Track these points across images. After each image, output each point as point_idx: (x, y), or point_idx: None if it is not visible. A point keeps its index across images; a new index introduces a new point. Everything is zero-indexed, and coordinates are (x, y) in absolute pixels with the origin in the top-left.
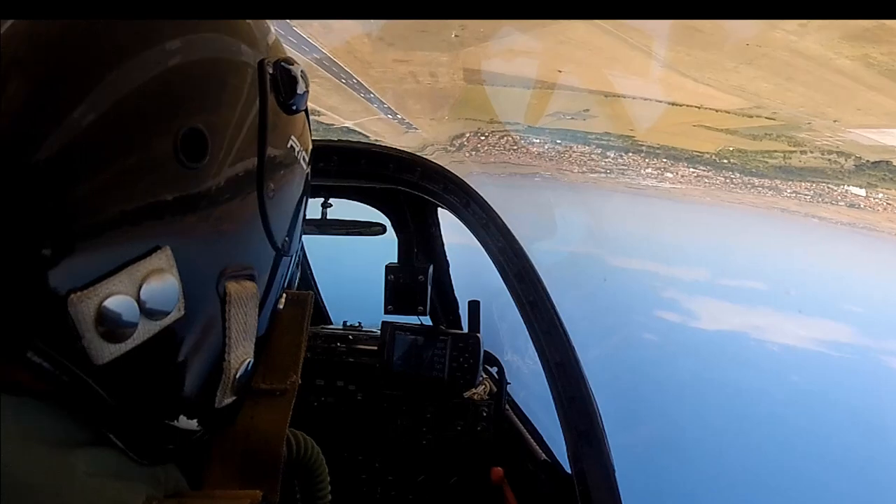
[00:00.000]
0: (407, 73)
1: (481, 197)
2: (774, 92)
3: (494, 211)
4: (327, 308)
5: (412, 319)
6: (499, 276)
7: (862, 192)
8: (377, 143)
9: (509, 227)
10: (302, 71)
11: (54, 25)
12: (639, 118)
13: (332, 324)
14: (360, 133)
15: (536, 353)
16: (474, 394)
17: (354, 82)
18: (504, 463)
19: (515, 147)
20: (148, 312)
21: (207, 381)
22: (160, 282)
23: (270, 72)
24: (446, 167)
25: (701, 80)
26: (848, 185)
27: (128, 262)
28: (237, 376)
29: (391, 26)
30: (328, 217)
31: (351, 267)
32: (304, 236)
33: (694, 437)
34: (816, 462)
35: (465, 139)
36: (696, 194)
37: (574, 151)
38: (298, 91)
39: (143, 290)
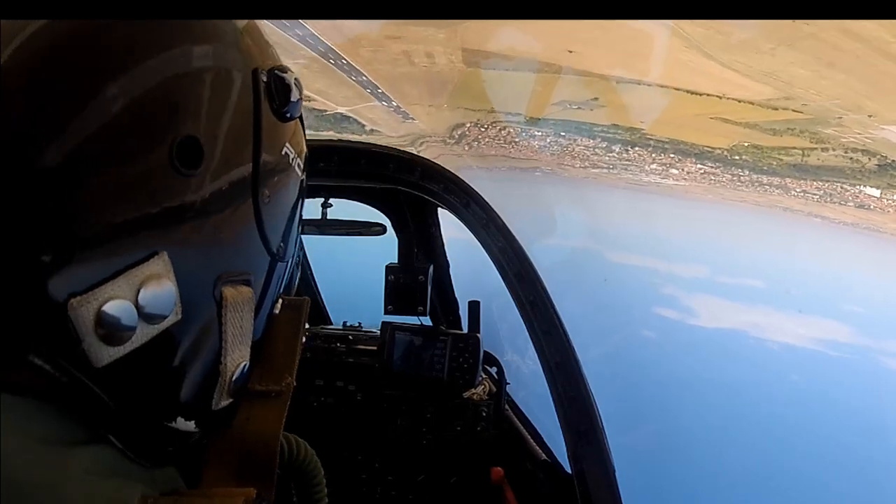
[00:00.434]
0: (400, 52)
1: (481, 197)
2: (810, 80)
3: (494, 211)
4: (327, 308)
5: (412, 319)
6: (498, 275)
7: (877, 192)
8: (377, 143)
9: (508, 225)
10: (296, 79)
11: (57, 35)
12: (651, 109)
13: (332, 324)
14: (355, 121)
15: (536, 354)
16: (474, 394)
17: (344, 63)
18: (504, 463)
19: (517, 140)
20: (146, 316)
21: (204, 384)
22: (157, 286)
23: (264, 80)
24: (446, 162)
25: (728, 63)
26: (864, 186)
27: (126, 268)
28: (233, 379)
29: None
30: (328, 217)
31: (351, 267)
32: (304, 236)
33: (693, 435)
34: (815, 461)
35: (465, 129)
36: (698, 191)
37: (578, 145)
38: (292, 98)
39: (140, 294)
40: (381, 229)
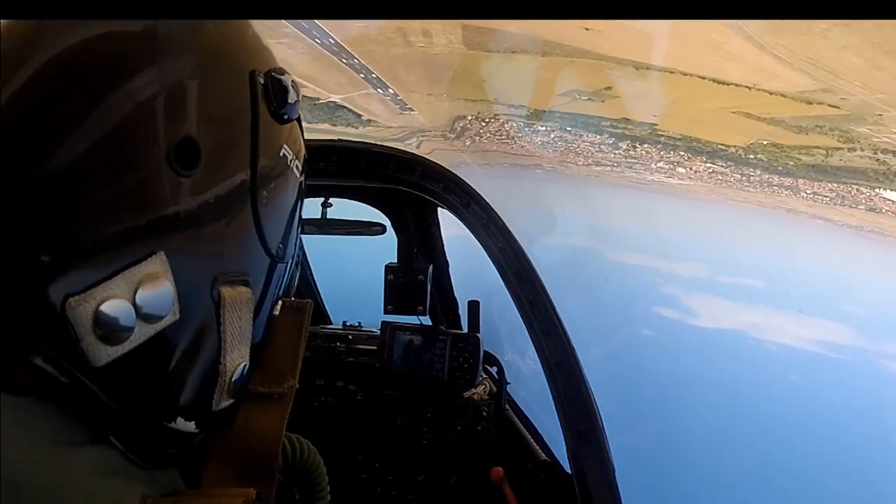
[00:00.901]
0: (395, 30)
1: (481, 197)
2: (860, 70)
3: (494, 211)
4: (327, 308)
5: (412, 319)
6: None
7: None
8: (377, 143)
9: (507, 224)
10: (293, 80)
11: (60, 41)
12: (669, 101)
13: (332, 324)
14: (350, 110)
15: (536, 353)
16: (474, 394)
17: (332, 43)
18: (504, 463)
19: (518, 135)
20: (144, 316)
21: (204, 384)
22: (155, 286)
23: (261, 82)
24: (446, 158)
25: (770, 47)
26: (884, 189)
27: (123, 267)
28: (233, 379)
29: None
30: (328, 217)
31: (351, 267)
32: (304, 236)
33: (692, 435)
34: (814, 461)
35: (467, 122)
36: (702, 191)
37: (583, 141)
38: (289, 100)
39: (138, 294)
40: (380, 229)
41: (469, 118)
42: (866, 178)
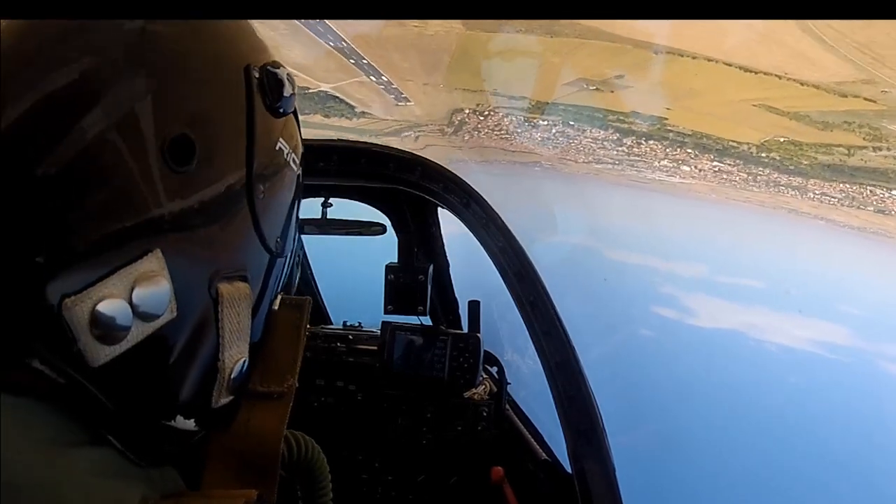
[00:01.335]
0: None
1: (481, 196)
2: None
3: (494, 210)
4: (327, 308)
5: (412, 319)
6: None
7: None
8: (377, 143)
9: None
10: (288, 74)
11: (51, 42)
12: (686, 91)
13: (332, 324)
14: (342, 101)
15: (536, 353)
16: (474, 394)
17: (319, 26)
18: (504, 462)
19: (518, 131)
20: (141, 315)
21: (203, 382)
22: (152, 285)
23: (256, 76)
24: (445, 152)
25: (814, 30)
26: None
27: (119, 266)
28: (232, 376)
29: None
30: (328, 217)
31: (351, 267)
32: (304, 236)
33: (691, 434)
34: (813, 461)
35: (465, 116)
36: (703, 190)
37: (586, 137)
38: (285, 94)
39: (135, 293)
40: (380, 229)
41: (467, 111)
42: (886, 179)
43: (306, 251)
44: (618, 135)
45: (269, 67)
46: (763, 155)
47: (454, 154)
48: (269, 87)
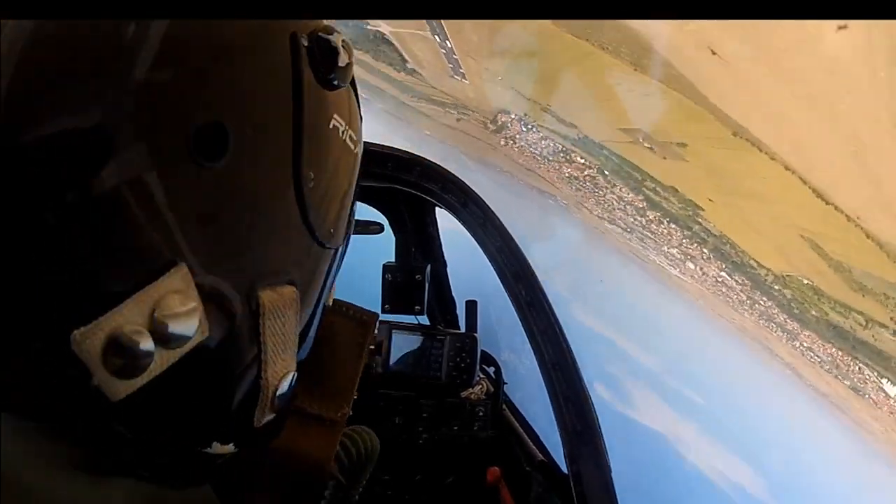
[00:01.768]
0: None
1: (479, 196)
2: None
3: (492, 211)
4: None
5: (409, 319)
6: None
7: None
8: (376, 143)
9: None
10: (344, 40)
11: (51, 33)
12: (739, 190)
13: None
14: (396, 49)
15: (533, 353)
16: (471, 394)
17: None
18: (500, 463)
19: (552, 158)
20: (164, 342)
21: (243, 403)
22: (176, 305)
23: (305, 44)
24: (481, 147)
25: None
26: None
27: (135, 288)
28: (278, 393)
29: None
30: None
31: (348, 266)
32: None
33: None
34: None
35: (509, 120)
36: (693, 292)
37: (614, 193)
38: (340, 63)
39: (156, 317)
40: (378, 228)
41: (513, 117)
42: (885, 366)
43: None
44: (645, 204)
45: (319, 34)
46: (776, 287)
47: (489, 155)
48: (321, 57)
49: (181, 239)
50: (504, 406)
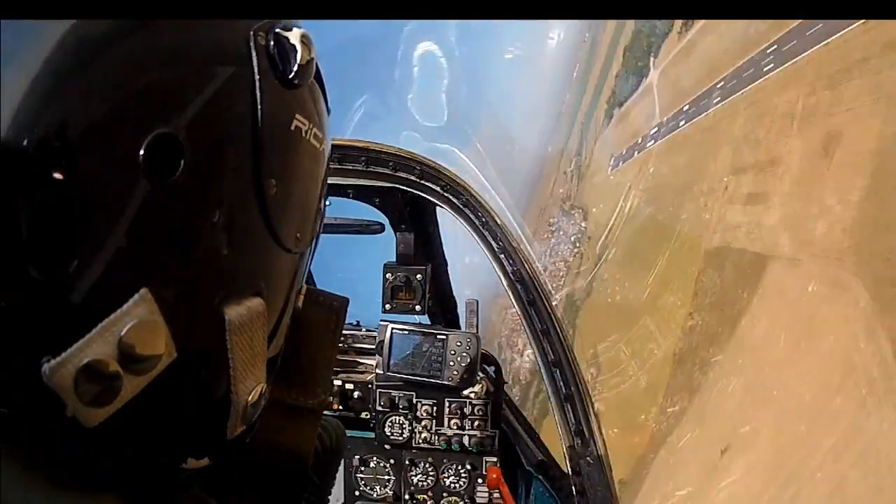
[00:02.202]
0: None
1: (480, 197)
2: None
3: (493, 212)
4: None
5: (410, 318)
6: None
7: None
8: (376, 142)
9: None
10: (303, 34)
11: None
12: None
13: None
14: None
15: (534, 352)
16: (472, 393)
17: None
18: (501, 461)
19: (564, 223)
20: (132, 367)
21: (214, 419)
22: (143, 331)
23: (263, 43)
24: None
25: None
26: None
27: (100, 317)
28: (249, 404)
29: None
30: (326, 216)
31: (349, 266)
32: None
33: None
34: None
35: (557, 170)
36: None
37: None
38: (300, 61)
39: (122, 343)
40: (379, 228)
41: (564, 173)
42: None
43: None
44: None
45: (278, 31)
46: None
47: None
48: (280, 55)
49: (142, 262)
50: (504, 405)
